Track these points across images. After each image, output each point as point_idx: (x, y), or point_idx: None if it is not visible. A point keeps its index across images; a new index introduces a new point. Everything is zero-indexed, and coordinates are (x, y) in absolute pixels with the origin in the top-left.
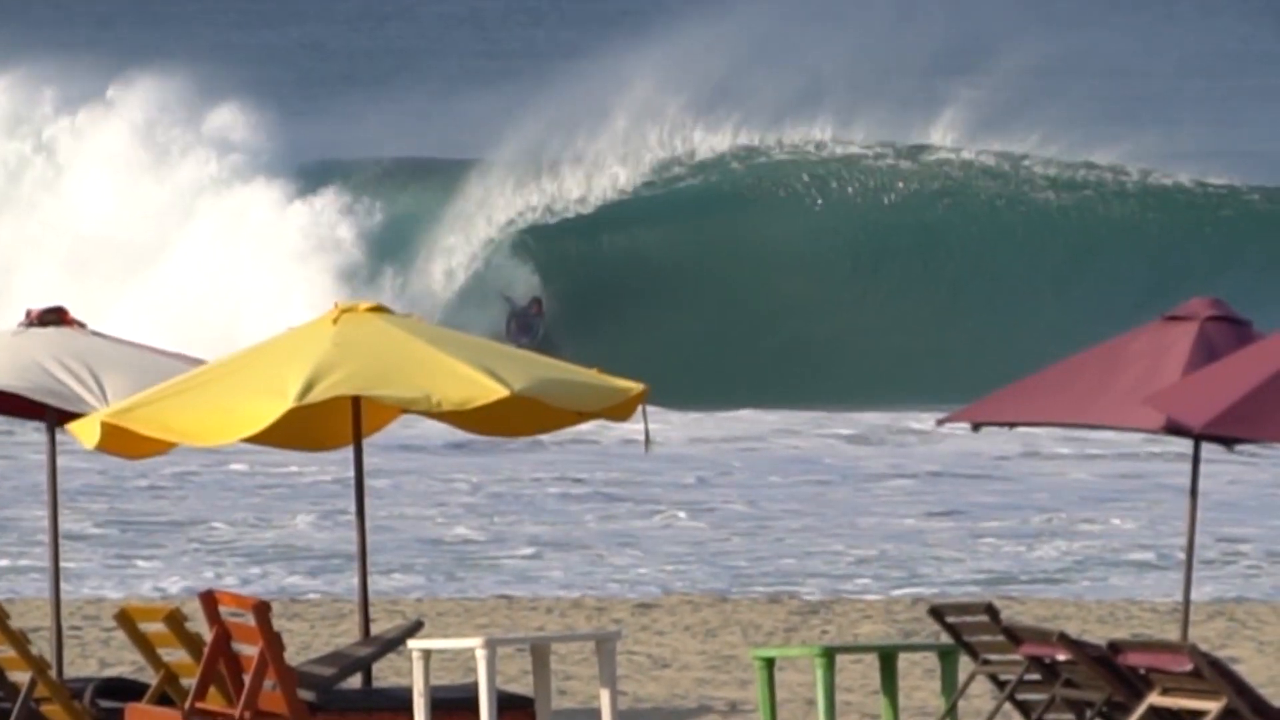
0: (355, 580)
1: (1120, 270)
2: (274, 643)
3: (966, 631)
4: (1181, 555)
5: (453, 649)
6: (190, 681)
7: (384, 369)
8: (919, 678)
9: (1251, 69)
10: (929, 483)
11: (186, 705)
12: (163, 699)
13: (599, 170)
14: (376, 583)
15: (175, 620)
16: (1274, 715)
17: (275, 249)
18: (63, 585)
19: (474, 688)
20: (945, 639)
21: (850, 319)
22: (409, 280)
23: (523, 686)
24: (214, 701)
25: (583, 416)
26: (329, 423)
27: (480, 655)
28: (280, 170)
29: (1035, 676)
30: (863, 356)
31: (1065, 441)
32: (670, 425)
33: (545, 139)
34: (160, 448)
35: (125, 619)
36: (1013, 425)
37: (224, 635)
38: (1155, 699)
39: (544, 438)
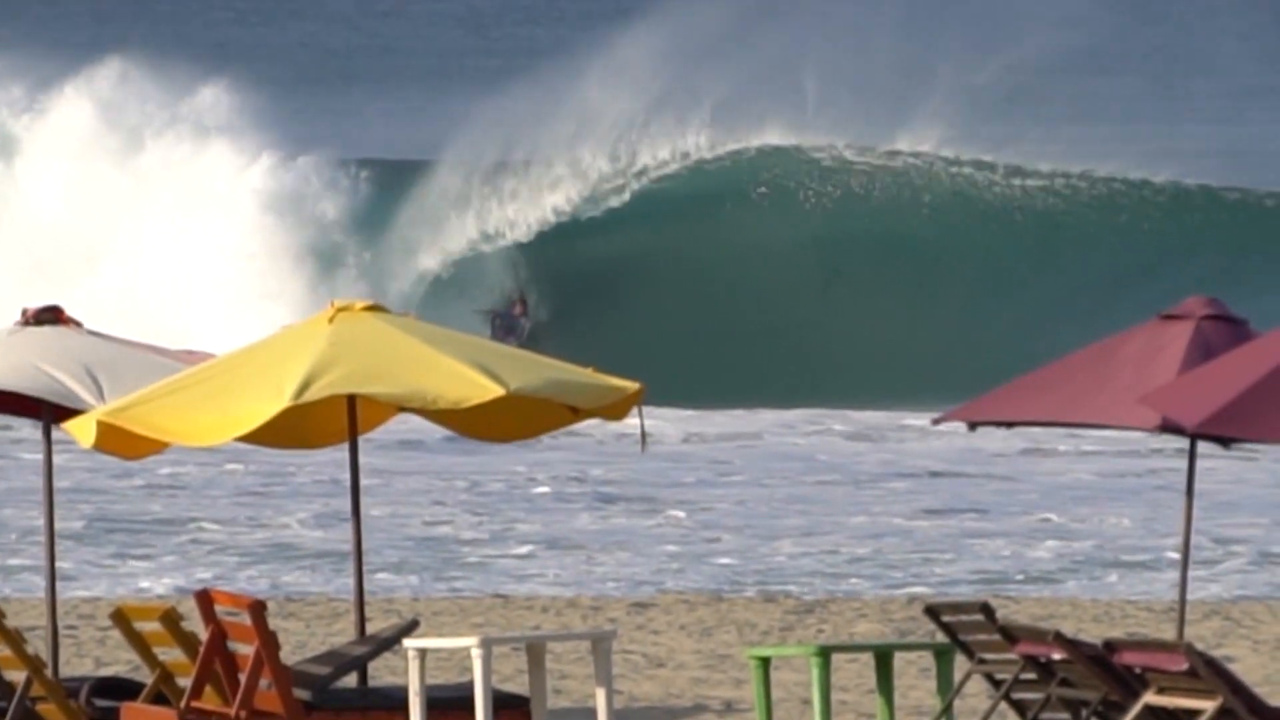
0: (351, 579)
1: (1116, 270)
2: (269, 642)
3: (962, 631)
4: (1177, 554)
5: (448, 648)
6: (186, 680)
7: (380, 367)
8: (915, 677)
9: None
10: (925, 482)
11: (182, 704)
12: (158, 698)
13: (587, 169)
14: (372, 582)
15: (171, 619)
16: (1270, 714)
17: (260, 245)
18: (57, 584)
19: (469, 687)
20: (941, 638)
21: (847, 318)
22: (393, 280)
23: (518, 686)
24: (209, 700)
25: (578, 416)
26: (325, 421)
27: (475, 654)
28: (262, 167)
29: (1031, 676)
30: (860, 355)
31: (1061, 440)
32: (666, 424)
33: (534, 138)
34: (157, 447)
35: (121, 618)
36: (1009, 425)
37: (220, 634)
38: (1151, 698)
39: (540, 437)
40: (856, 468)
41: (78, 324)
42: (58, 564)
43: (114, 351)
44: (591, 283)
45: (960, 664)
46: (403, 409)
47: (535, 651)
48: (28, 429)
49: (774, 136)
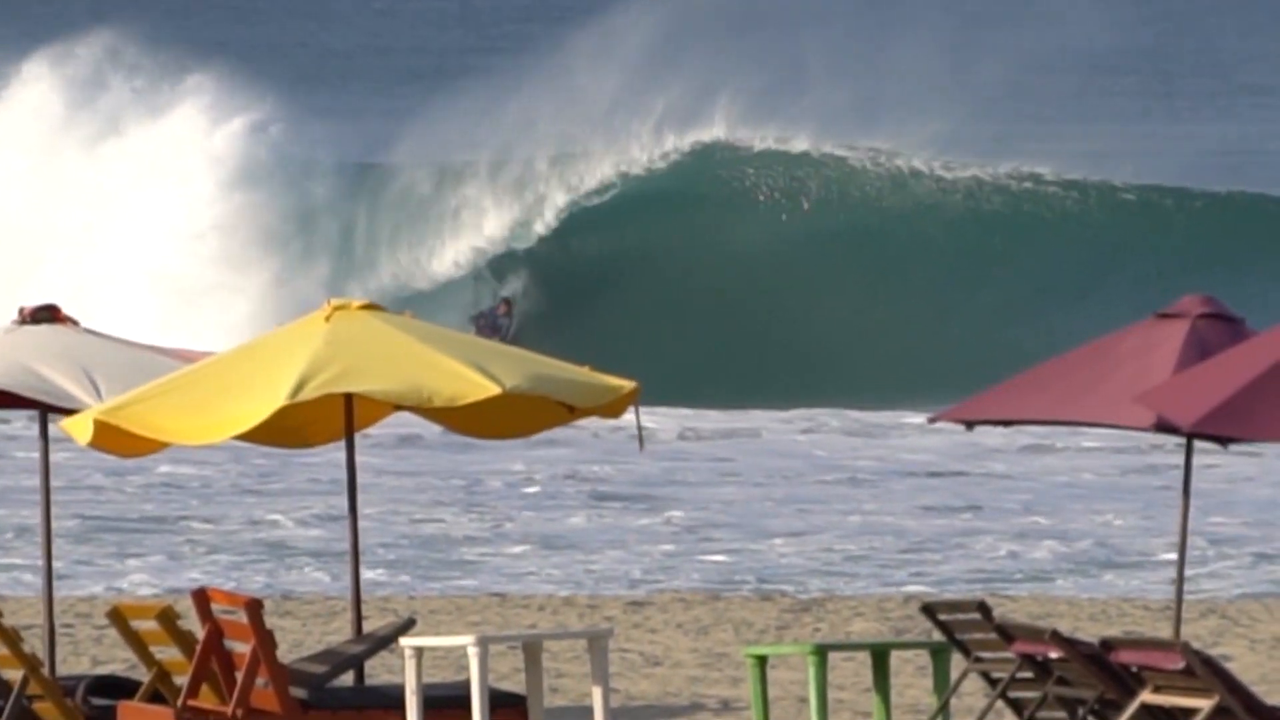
0: (348, 577)
1: (1109, 269)
2: (266, 640)
3: (959, 629)
4: (1174, 553)
5: (445, 647)
6: (182, 679)
7: (376, 366)
8: (911, 675)
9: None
10: (921, 480)
11: (179, 703)
12: (155, 697)
13: (576, 168)
14: (369, 580)
15: (167, 618)
16: (1266, 713)
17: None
18: (54, 583)
19: (466, 685)
20: (937, 637)
21: (843, 316)
22: (380, 282)
23: (515, 684)
24: (206, 699)
25: (574, 415)
26: (321, 419)
27: (472, 653)
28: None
29: (1027, 674)
30: (857, 354)
31: (1059, 439)
32: (663, 423)
33: (518, 136)
34: (153, 446)
35: (117, 617)
36: (1006, 424)
37: (216, 633)
38: (1147, 697)
39: (535, 435)
40: (853, 466)
41: (74, 322)
42: (54, 562)
43: (111, 350)
44: (586, 282)
45: (957, 662)
46: (399, 407)
47: (532, 650)
48: (22, 426)
49: (767, 136)
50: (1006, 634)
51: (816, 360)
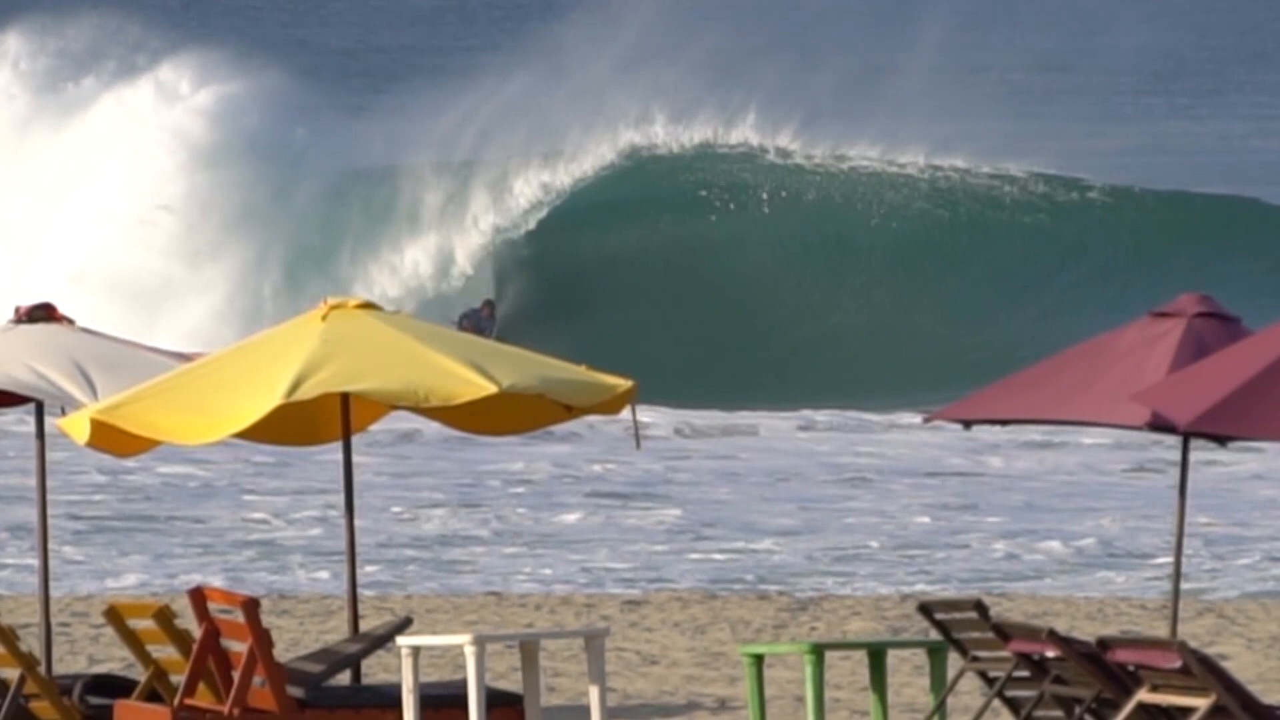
0: (344, 576)
1: (1100, 269)
2: (263, 639)
3: (955, 628)
4: (1170, 552)
5: (442, 646)
6: (179, 678)
7: (372, 365)
8: (908, 674)
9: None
10: (918, 479)
11: (175, 702)
12: (152, 695)
13: (563, 167)
14: (365, 579)
15: (164, 617)
16: (1262, 712)
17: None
18: (50, 582)
19: (463, 685)
20: (934, 636)
21: (841, 316)
22: (368, 281)
23: (511, 683)
24: (203, 698)
25: (571, 413)
26: (319, 418)
27: (469, 652)
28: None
29: (1024, 673)
30: (853, 353)
31: (1055, 437)
32: (660, 422)
33: (504, 135)
34: (150, 444)
35: (114, 616)
36: (1003, 423)
37: (213, 632)
38: (1144, 696)
39: (532, 434)
40: (849, 465)
41: (70, 321)
42: (50, 561)
43: (107, 349)
44: (577, 282)
45: (953, 662)
46: (396, 406)
47: (528, 649)
48: (16, 425)
49: (758, 137)
50: (1003, 633)
51: (814, 359)
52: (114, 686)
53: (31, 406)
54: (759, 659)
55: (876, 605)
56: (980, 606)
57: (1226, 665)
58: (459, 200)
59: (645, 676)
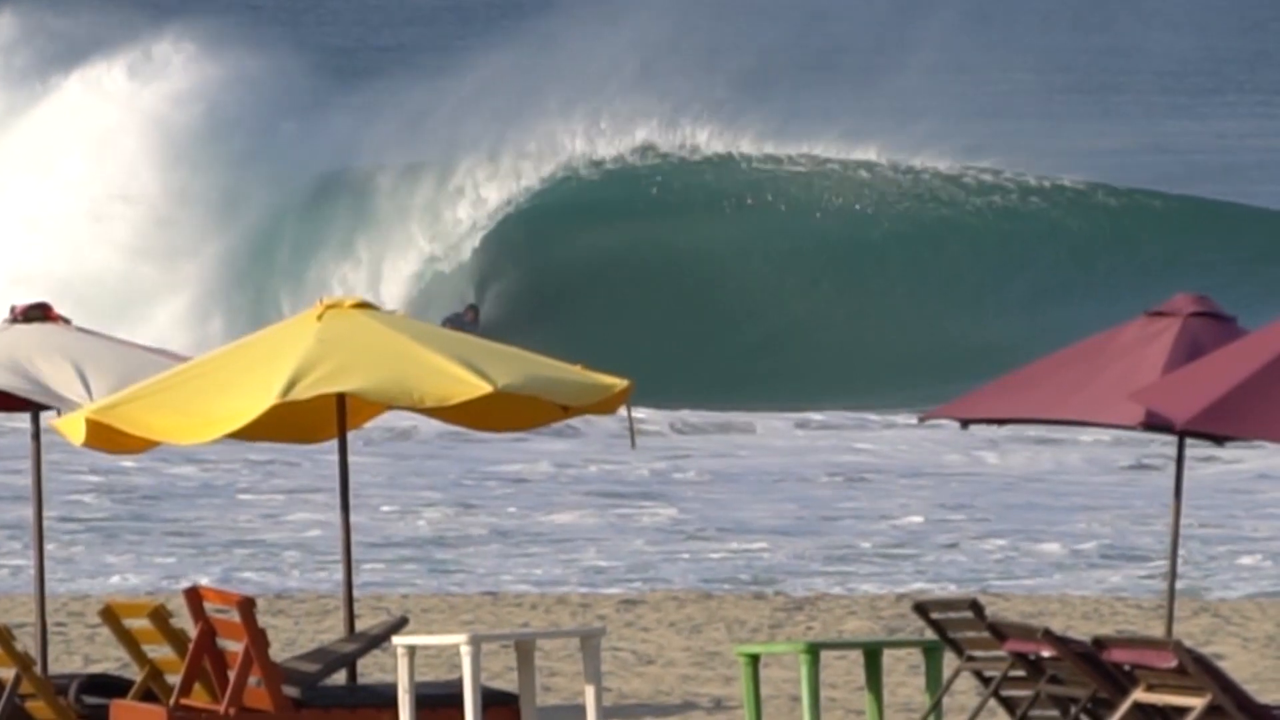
0: (340, 576)
1: (1103, 268)
2: (258, 639)
3: (951, 628)
4: (1167, 551)
5: (437, 645)
6: (175, 678)
7: (368, 365)
8: (904, 674)
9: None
10: (913, 478)
11: (171, 702)
12: (147, 695)
13: (550, 167)
14: (361, 578)
15: (160, 616)
16: (1258, 711)
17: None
18: (45, 581)
19: (459, 684)
20: (930, 635)
21: (838, 315)
22: (347, 283)
23: (507, 683)
24: (199, 698)
25: (568, 412)
26: (315, 416)
27: (465, 651)
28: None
29: (1020, 673)
30: (849, 353)
31: (1052, 436)
32: (656, 421)
33: (489, 135)
34: (146, 443)
35: (110, 615)
36: (1000, 422)
37: (209, 631)
38: (1140, 695)
39: (528, 433)
40: (845, 464)
41: (66, 321)
42: (46, 560)
43: (103, 349)
44: (569, 283)
45: (949, 661)
46: (392, 406)
47: (524, 648)
48: (11, 425)
49: (747, 139)
50: (999, 632)
51: (811, 359)
52: (110, 686)
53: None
54: (755, 659)
55: (872, 605)
56: (976, 606)
57: (1222, 665)
58: (441, 201)
59: (641, 676)
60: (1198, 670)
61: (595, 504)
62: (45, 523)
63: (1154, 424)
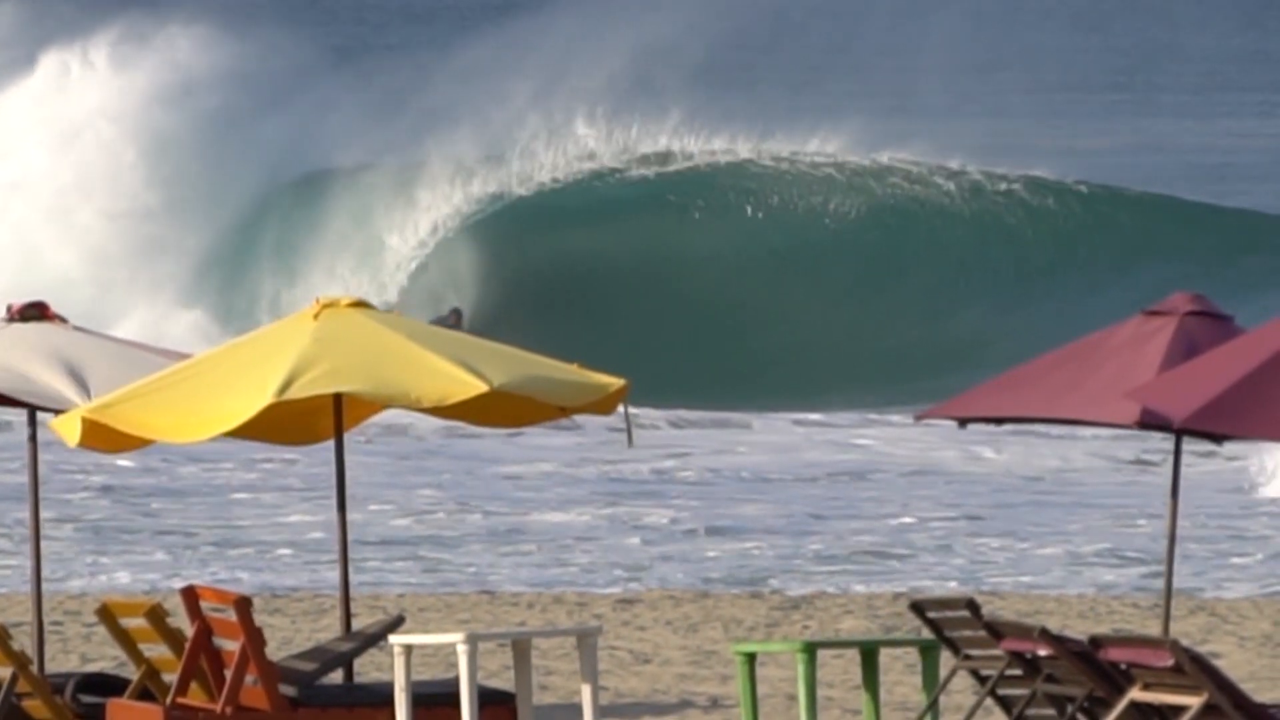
0: (336, 575)
1: (1100, 268)
2: (255, 638)
3: (948, 626)
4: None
5: (434, 644)
6: (171, 677)
7: (364, 365)
8: (900, 673)
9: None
10: (910, 477)
11: (168, 700)
12: (144, 694)
13: (536, 168)
14: (358, 577)
15: (156, 615)
16: (1255, 710)
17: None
18: (43, 580)
19: (455, 683)
20: (926, 634)
21: (835, 315)
22: (328, 285)
23: (504, 681)
24: (195, 697)
25: (564, 412)
26: (311, 416)
27: (461, 650)
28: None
29: (1016, 671)
30: (846, 352)
31: (1048, 434)
32: (653, 421)
33: (478, 134)
34: (142, 442)
35: (107, 614)
36: (997, 421)
37: (205, 630)
38: (1136, 694)
39: (524, 433)
40: (842, 462)
41: (63, 320)
42: (42, 559)
43: (99, 348)
44: (546, 287)
45: (946, 660)
46: (387, 406)
47: (521, 647)
48: (8, 423)
49: (745, 138)
50: (995, 631)
51: (808, 358)
52: (106, 685)
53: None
54: (751, 657)
55: (869, 604)
56: (972, 605)
57: (1219, 664)
58: (422, 202)
59: (638, 675)
60: (1194, 669)
61: (592, 502)
62: (42, 521)
63: (1151, 423)
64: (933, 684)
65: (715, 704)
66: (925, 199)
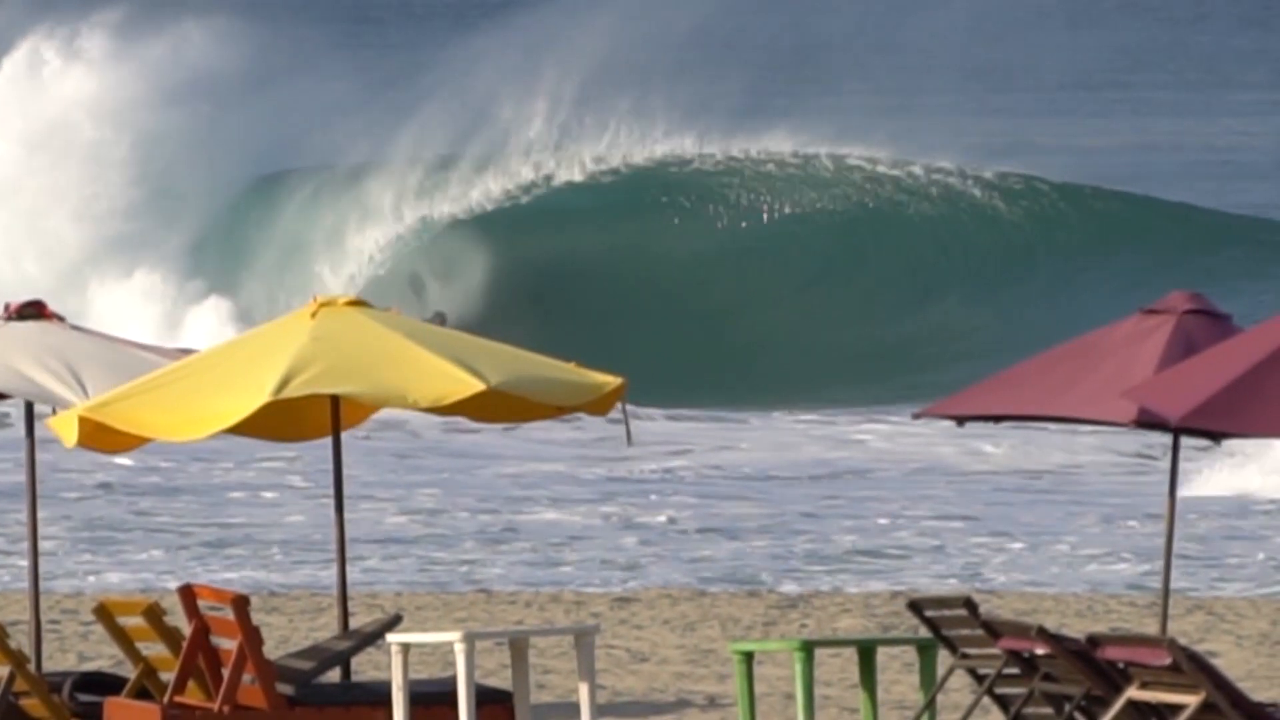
0: (334, 574)
1: (1097, 267)
2: (253, 636)
3: (945, 625)
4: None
5: (431, 643)
6: (169, 675)
7: (361, 364)
8: (898, 671)
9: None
10: (907, 475)
11: (165, 699)
12: (141, 693)
13: (523, 169)
14: (355, 576)
15: (154, 614)
16: (1252, 709)
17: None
18: (40, 579)
19: (452, 682)
20: (924, 633)
21: (833, 314)
22: (310, 285)
23: (501, 680)
24: (193, 695)
25: (562, 411)
26: (309, 414)
27: (459, 649)
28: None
29: (1014, 670)
30: (843, 352)
31: (1047, 433)
32: (650, 420)
33: (469, 134)
34: (139, 441)
35: (104, 613)
36: (994, 419)
37: (203, 629)
38: (1134, 693)
39: (522, 431)
40: (839, 461)
41: (60, 319)
42: (40, 558)
43: (97, 347)
44: (532, 288)
45: (943, 659)
46: (384, 405)
47: (518, 646)
48: (5, 421)
49: (741, 138)
50: (993, 630)
51: (806, 356)
52: (104, 684)
53: (19, 403)
54: (749, 656)
55: (866, 602)
56: (970, 603)
57: (1216, 663)
58: (409, 202)
59: (635, 674)
60: (1192, 668)
61: (590, 501)
62: (39, 520)
63: (1149, 421)
64: (930, 683)
65: (713, 703)
66: (925, 197)
